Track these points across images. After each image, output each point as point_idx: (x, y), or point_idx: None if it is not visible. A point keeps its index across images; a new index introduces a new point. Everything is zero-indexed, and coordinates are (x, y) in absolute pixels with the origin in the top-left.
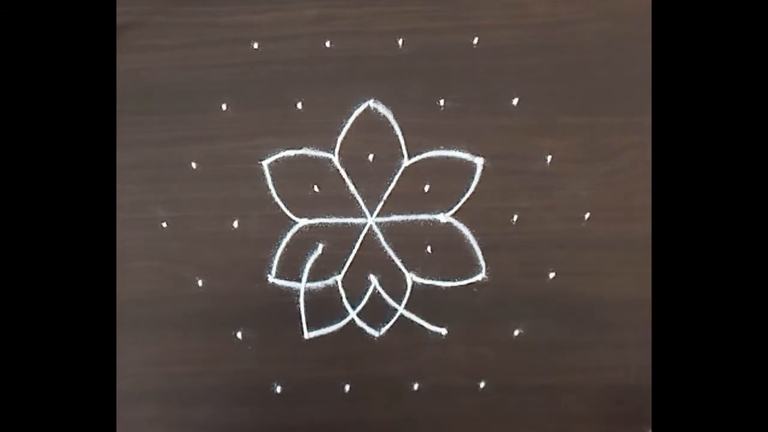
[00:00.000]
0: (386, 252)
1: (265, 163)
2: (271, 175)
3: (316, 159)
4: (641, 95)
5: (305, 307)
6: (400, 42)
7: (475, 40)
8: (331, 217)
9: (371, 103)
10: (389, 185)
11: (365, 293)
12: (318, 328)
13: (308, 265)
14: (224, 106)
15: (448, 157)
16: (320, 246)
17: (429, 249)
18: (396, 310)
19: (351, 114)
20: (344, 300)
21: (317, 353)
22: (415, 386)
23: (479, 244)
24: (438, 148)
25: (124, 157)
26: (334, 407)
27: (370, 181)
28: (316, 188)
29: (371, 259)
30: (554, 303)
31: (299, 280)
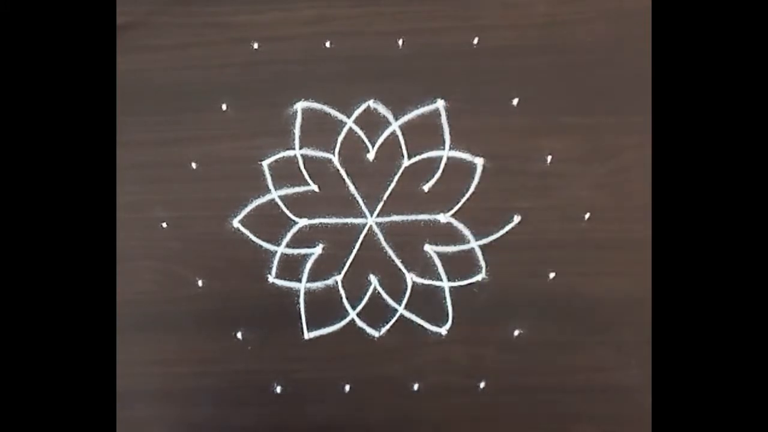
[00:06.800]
0: (386, 252)
1: (265, 163)
2: (271, 175)
3: (316, 159)
4: (641, 95)
5: (305, 307)
6: (400, 42)
7: (475, 40)
8: (331, 217)
9: (371, 103)
10: (389, 185)
11: (365, 293)
12: (318, 328)
13: (308, 265)
14: (224, 106)
15: (448, 157)
16: (320, 246)
17: (429, 249)
18: (396, 310)
19: (351, 114)
20: (344, 300)
21: (317, 353)
22: (415, 386)
23: (479, 244)
24: (438, 148)
25: (124, 157)
26: (334, 407)
27: (370, 181)
28: (316, 188)
29: (371, 259)
30: (554, 303)
31: (299, 280)
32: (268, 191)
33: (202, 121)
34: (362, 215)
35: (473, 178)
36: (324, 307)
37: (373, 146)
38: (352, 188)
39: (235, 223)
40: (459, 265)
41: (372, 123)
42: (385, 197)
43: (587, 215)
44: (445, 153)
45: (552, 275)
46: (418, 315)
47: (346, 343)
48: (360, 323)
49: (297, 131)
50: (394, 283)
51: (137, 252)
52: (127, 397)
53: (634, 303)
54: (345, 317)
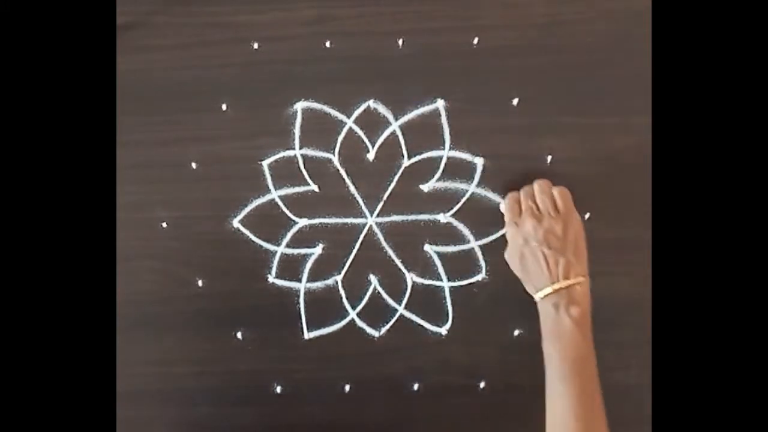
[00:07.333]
0: (386, 252)
1: (265, 163)
2: (271, 175)
3: (316, 159)
4: (641, 95)
5: (305, 307)
6: (400, 42)
7: (475, 40)
8: (331, 217)
9: (371, 103)
10: (389, 185)
11: (365, 293)
12: (318, 328)
13: (308, 265)
14: (224, 106)
15: (448, 157)
16: (320, 246)
17: (429, 249)
18: (396, 310)
19: (351, 114)
20: (344, 300)
21: (317, 353)
22: (415, 386)
23: (479, 244)
24: (438, 148)
25: (124, 157)
26: (334, 407)
27: (370, 181)
28: (316, 188)
29: (371, 259)
30: None
31: (299, 280)
32: (268, 191)
33: (202, 121)
34: (362, 215)
35: (473, 178)
36: (324, 307)
37: (373, 146)
38: (352, 188)
39: (235, 223)
40: (459, 265)
41: (372, 123)
42: (385, 197)
43: (587, 215)
44: (445, 153)
45: None
46: (418, 315)
47: (346, 343)
48: (360, 323)
49: (297, 131)
50: (394, 283)
51: (137, 252)
52: (127, 397)
53: (634, 303)
54: (345, 317)
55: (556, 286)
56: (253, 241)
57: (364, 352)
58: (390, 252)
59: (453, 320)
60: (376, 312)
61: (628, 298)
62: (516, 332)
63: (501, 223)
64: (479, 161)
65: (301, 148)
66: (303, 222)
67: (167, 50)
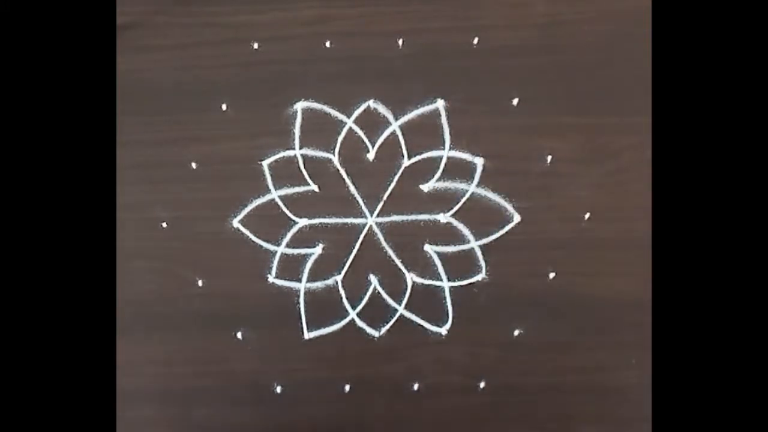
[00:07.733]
0: (386, 252)
1: (265, 163)
2: (271, 175)
3: (316, 159)
4: (641, 95)
5: (305, 307)
6: (400, 42)
7: (475, 40)
8: (331, 217)
9: (371, 103)
10: (389, 185)
11: (365, 293)
12: (318, 328)
13: (308, 265)
14: (224, 106)
15: (448, 157)
16: (320, 246)
17: (429, 249)
18: (396, 310)
19: (351, 114)
20: (344, 300)
21: (317, 353)
22: (415, 386)
23: (479, 244)
24: (438, 148)
25: (124, 157)
26: (334, 407)
27: (370, 181)
28: (316, 188)
29: (371, 259)
30: (554, 303)
31: (299, 280)
32: (268, 191)
33: (202, 121)
34: (362, 215)
35: (473, 178)
36: (324, 307)
37: (373, 146)
38: (352, 188)
39: (235, 223)
40: (459, 265)
41: (372, 123)
42: (385, 197)
43: (587, 215)
44: (445, 153)
45: (552, 275)
46: (418, 315)
47: (346, 343)
48: (360, 323)
49: (297, 131)
50: (394, 283)
51: (137, 252)
52: (127, 397)
53: (634, 303)
54: (345, 317)
55: None
56: (253, 241)
57: (364, 352)
58: (390, 252)
59: (453, 320)
60: (376, 312)
61: (628, 298)
62: (516, 332)
63: (501, 223)
64: (479, 161)
65: (301, 148)
66: (303, 222)
67: (167, 50)
